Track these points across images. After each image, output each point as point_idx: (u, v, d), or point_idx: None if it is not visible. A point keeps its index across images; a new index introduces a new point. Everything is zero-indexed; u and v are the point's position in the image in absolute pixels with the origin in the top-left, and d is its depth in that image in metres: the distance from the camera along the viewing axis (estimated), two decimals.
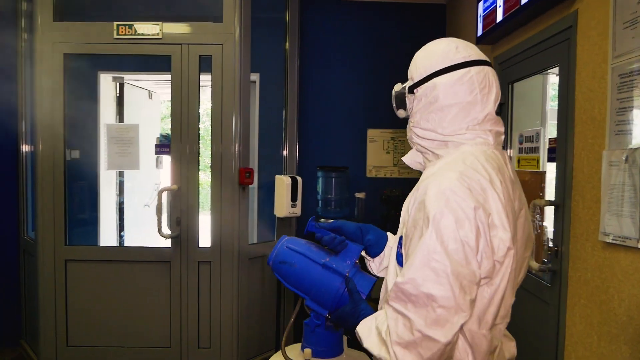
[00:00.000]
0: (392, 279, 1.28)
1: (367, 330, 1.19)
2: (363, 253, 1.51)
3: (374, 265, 1.53)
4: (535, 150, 2.78)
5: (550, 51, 2.57)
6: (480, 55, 1.28)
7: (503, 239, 1.10)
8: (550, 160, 2.58)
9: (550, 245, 2.49)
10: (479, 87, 1.23)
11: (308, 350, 1.47)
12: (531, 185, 3.03)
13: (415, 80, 1.30)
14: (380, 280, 1.43)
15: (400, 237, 1.28)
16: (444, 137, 1.25)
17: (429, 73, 1.26)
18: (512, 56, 3.00)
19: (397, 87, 1.38)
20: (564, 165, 2.36)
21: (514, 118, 3.13)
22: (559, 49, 2.46)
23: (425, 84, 1.27)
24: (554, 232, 2.47)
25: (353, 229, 1.48)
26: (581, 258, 2.19)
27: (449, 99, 1.23)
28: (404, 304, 1.08)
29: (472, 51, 1.27)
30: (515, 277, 1.20)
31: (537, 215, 2.70)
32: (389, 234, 1.56)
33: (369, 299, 1.36)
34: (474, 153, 1.20)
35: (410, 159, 1.38)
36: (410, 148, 1.39)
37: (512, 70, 3.05)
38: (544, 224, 2.80)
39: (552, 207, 2.50)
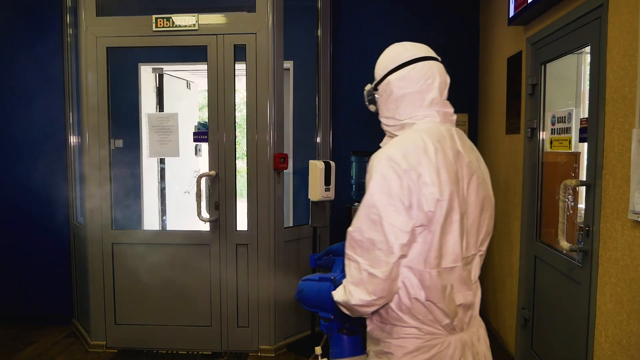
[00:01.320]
0: None
1: (337, 290, 1.48)
2: None
3: None
4: (567, 130, 2.76)
5: (581, 30, 2.54)
6: (427, 53, 1.53)
7: (432, 193, 1.34)
8: (581, 140, 2.56)
9: (582, 225, 2.49)
10: (424, 78, 1.47)
11: (318, 348, 1.82)
12: (565, 166, 3.00)
13: (377, 80, 1.58)
14: None
15: None
16: (401, 121, 1.51)
17: (385, 73, 1.53)
18: (544, 37, 2.97)
19: (368, 87, 1.65)
20: (594, 144, 2.35)
21: (547, 99, 3.10)
22: (591, 27, 2.44)
23: (383, 82, 1.53)
24: (585, 211, 2.46)
25: (338, 247, 1.79)
26: (612, 237, 2.19)
27: (400, 91, 1.49)
28: (353, 250, 1.38)
29: (417, 50, 1.52)
30: (472, 228, 1.46)
31: (569, 197, 2.69)
32: None
33: None
34: (418, 130, 1.45)
35: (384, 143, 1.60)
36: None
37: (544, 51, 3.03)
38: (578, 205, 2.79)
39: (584, 188, 2.50)
